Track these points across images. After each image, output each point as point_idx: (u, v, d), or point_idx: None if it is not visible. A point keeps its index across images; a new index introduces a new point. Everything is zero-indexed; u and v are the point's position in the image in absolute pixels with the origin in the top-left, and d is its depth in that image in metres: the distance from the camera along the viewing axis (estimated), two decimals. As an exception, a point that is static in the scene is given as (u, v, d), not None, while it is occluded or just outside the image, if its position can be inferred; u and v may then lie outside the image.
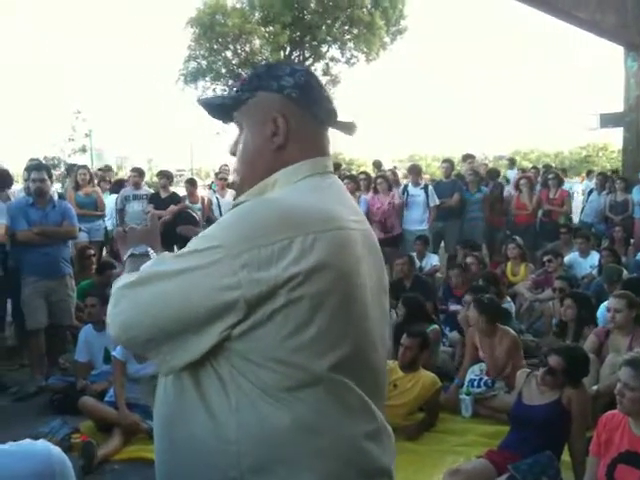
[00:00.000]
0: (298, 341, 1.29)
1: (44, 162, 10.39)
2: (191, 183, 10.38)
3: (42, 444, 1.30)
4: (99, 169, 12.73)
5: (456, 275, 7.23)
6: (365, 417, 1.42)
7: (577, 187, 21.73)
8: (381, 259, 1.57)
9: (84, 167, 9.75)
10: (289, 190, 1.44)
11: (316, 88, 1.53)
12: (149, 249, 1.70)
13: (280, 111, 1.48)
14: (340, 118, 1.59)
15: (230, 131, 1.67)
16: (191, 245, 1.35)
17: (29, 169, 6.69)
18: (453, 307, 6.98)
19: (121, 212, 9.23)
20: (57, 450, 1.30)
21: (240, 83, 1.56)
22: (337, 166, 12.25)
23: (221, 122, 1.66)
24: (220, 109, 1.60)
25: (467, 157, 11.85)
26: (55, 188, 8.88)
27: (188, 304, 1.29)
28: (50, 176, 6.44)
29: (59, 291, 6.04)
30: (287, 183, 1.46)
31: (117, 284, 1.42)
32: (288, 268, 1.27)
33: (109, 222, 9.51)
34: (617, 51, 15.04)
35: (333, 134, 1.60)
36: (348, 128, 1.62)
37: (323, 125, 1.54)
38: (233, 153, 1.58)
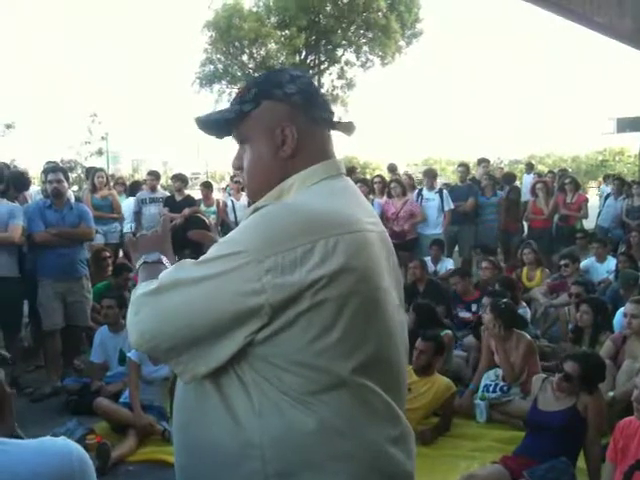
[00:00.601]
0: (322, 344, 1.30)
1: (61, 165, 10.48)
2: (206, 186, 10.43)
3: (62, 441, 1.31)
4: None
5: (457, 282, 7.18)
6: (390, 421, 1.42)
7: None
8: (396, 260, 1.57)
9: (101, 170, 9.84)
10: (306, 194, 1.44)
11: (316, 92, 1.55)
12: (162, 256, 1.67)
13: (288, 119, 1.47)
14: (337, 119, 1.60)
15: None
16: (213, 251, 1.35)
17: (46, 171, 6.75)
18: (462, 314, 6.94)
19: (137, 215, 9.34)
20: (77, 447, 1.31)
21: (240, 95, 1.54)
22: (352, 169, 12.25)
23: (215, 138, 1.64)
24: (217, 125, 1.57)
25: (482, 161, 11.85)
26: (71, 191, 8.92)
27: (212, 311, 1.29)
28: (67, 178, 6.49)
29: (75, 292, 6.07)
30: (303, 187, 1.46)
31: (137, 291, 1.41)
32: (312, 271, 1.28)
33: (127, 225, 9.58)
34: (634, 55, 14.95)
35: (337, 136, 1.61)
36: (347, 129, 1.62)
37: (327, 127, 1.55)
38: (238, 167, 1.58)
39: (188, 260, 1.39)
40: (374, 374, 1.37)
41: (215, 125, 1.58)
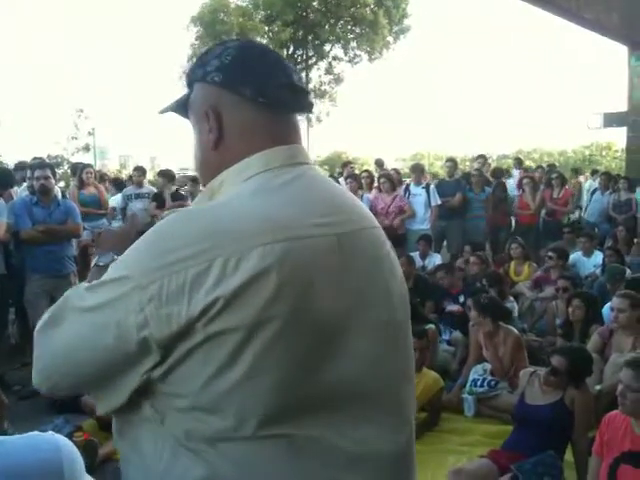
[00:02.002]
0: (223, 384, 1.08)
1: (47, 161, 10.42)
2: (194, 181, 10.40)
3: (50, 435, 1.30)
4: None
5: (442, 276, 7.21)
6: (347, 468, 1.16)
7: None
8: (382, 263, 1.28)
9: (89, 166, 9.79)
10: (230, 195, 1.20)
11: (254, 63, 1.25)
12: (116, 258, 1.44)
13: (209, 102, 1.25)
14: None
15: None
16: (107, 272, 1.17)
17: (32, 167, 6.70)
18: (450, 307, 6.97)
19: (123, 211, 9.30)
20: (65, 441, 1.30)
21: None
22: (346, 164, 12.30)
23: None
24: (181, 114, 1.40)
25: (479, 157, 12.06)
26: (58, 187, 8.86)
27: (100, 348, 1.12)
28: (54, 174, 6.46)
29: (63, 290, 6.02)
30: (233, 185, 1.22)
31: (39, 322, 1.23)
32: (204, 297, 1.05)
33: (116, 222, 9.56)
34: (621, 50, 15.03)
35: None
36: (303, 107, 1.33)
37: (272, 107, 1.24)
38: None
39: (82, 284, 1.23)
40: (324, 415, 1.14)
41: (180, 114, 1.40)
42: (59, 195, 6.70)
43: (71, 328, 1.16)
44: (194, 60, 1.37)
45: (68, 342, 1.16)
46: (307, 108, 1.32)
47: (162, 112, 1.40)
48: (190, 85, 1.31)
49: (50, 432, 1.34)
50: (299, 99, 1.28)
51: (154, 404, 1.15)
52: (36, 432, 1.32)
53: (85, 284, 1.22)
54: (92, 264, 1.51)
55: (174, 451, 1.13)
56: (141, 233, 1.56)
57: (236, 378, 1.07)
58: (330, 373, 1.14)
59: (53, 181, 6.22)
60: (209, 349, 1.07)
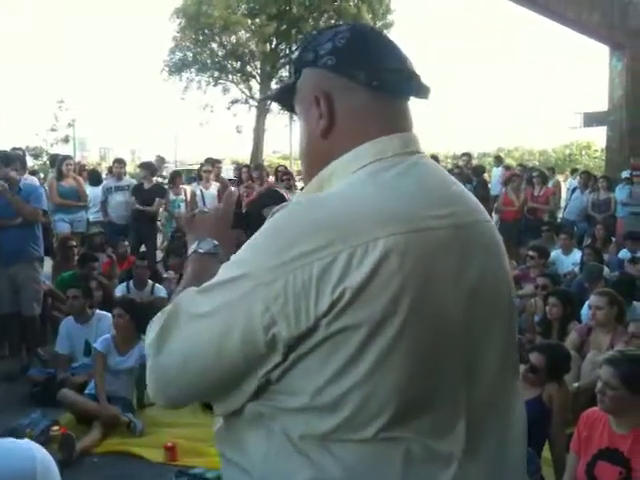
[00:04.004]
0: (345, 383, 1.02)
1: (27, 152, 10.28)
2: (175, 175, 10.37)
3: (26, 443, 1.27)
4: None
5: None
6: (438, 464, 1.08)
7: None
8: (495, 259, 1.20)
9: (69, 157, 9.69)
10: (343, 185, 1.13)
11: (368, 46, 1.19)
12: (217, 245, 1.36)
13: (320, 87, 1.18)
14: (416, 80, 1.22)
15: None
16: (219, 273, 1.10)
17: None
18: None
19: (103, 204, 9.20)
20: (40, 449, 1.27)
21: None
22: None
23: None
24: (281, 102, 1.35)
25: (463, 155, 12.22)
26: (35, 178, 8.74)
27: (225, 353, 1.06)
28: (24, 165, 6.27)
29: (24, 276, 5.89)
30: (344, 175, 1.15)
31: (149, 329, 1.15)
32: (331, 292, 1.00)
33: (93, 214, 9.46)
34: (602, 50, 15.14)
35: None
36: (422, 91, 1.24)
37: (385, 92, 1.17)
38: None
39: (192, 289, 1.14)
40: (420, 421, 1.07)
41: (281, 101, 1.36)
42: (35, 182, 6.49)
43: (187, 337, 1.08)
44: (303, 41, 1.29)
45: (185, 353, 1.08)
46: (422, 93, 1.23)
47: (261, 100, 1.37)
48: (297, 71, 1.24)
49: (25, 440, 1.32)
50: (412, 84, 1.21)
51: (265, 404, 1.09)
52: (10, 439, 1.29)
53: (194, 288, 1.13)
54: (190, 249, 1.36)
55: (282, 452, 1.07)
56: (237, 214, 1.41)
57: (359, 376, 1.02)
58: (446, 374, 1.09)
59: (12, 173, 6.01)
60: (332, 346, 1.01)
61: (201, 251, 1.35)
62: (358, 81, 1.16)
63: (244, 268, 1.05)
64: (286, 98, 1.29)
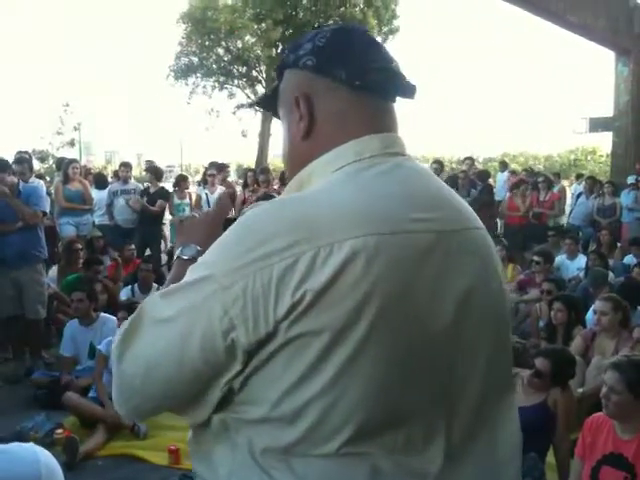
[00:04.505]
0: (306, 393, 0.97)
1: (33, 155, 10.32)
2: (181, 179, 10.41)
3: (30, 447, 1.27)
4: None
5: None
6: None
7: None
8: (487, 268, 1.15)
9: (75, 161, 9.72)
10: (320, 185, 1.09)
11: (350, 45, 1.14)
12: (199, 251, 1.31)
13: (300, 88, 1.15)
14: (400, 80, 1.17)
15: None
16: (186, 275, 1.07)
17: None
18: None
19: (109, 207, 9.27)
20: (45, 454, 1.28)
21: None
22: None
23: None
24: (266, 105, 1.33)
25: (466, 159, 12.21)
26: (40, 180, 8.76)
27: (186, 361, 1.01)
28: (31, 168, 6.32)
29: (28, 279, 5.91)
30: (323, 175, 1.11)
31: (117, 335, 1.10)
32: (291, 294, 0.95)
33: (99, 217, 9.51)
34: (608, 56, 15.13)
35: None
36: (407, 91, 1.19)
37: (369, 91, 1.14)
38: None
39: (156, 293, 1.10)
40: (403, 432, 1.02)
41: (266, 106, 1.34)
42: (42, 186, 6.51)
43: (149, 343, 1.03)
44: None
45: (148, 360, 1.03)
46: (408, 93, 1.18)
47: (250, 106, 1.34)
48: (280, 75, 1.22)
49: (30, 443, 1.32)
50: (397, 83, 1.16)
51: (230, 415, 1.05)
52: (16, 444, 1.29)
53: (159, 292, 1.09)
54: (175, 254, 1.35)
55: (245, 469, 1.03)
56: (228, 220, 1.36)
57: (320, 386, 0.96)
58: (421, 386, 1.03)
59: (10, 177, 6.02)
60: (293, 352, 0.96)
61: (184, 257, 1.32)
62: (339, 80, 1.12)
63: (207, 270, 1.01)
64: (271, 102, 1.27)
